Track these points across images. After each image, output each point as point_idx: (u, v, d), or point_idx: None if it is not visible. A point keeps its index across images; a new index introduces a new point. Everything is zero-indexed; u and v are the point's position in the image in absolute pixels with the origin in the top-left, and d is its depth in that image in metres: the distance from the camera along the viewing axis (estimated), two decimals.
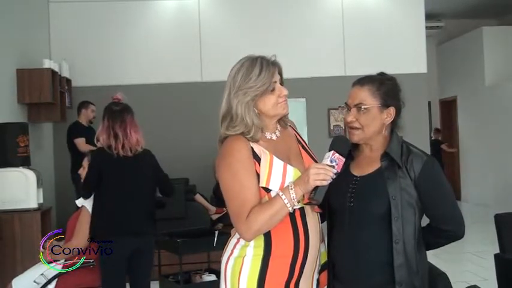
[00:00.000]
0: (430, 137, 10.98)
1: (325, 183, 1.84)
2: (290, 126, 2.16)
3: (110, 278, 3.54)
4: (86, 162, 3.77)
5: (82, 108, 6.55)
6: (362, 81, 2.03)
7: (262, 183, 1.91)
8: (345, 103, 2.05)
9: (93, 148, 4.33)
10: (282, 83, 2.01)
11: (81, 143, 6.22)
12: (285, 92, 2.00)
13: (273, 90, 1.97)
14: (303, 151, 2.10)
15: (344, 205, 2.01)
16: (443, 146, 11.40)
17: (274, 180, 1.92)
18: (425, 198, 1.98)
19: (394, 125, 2.06)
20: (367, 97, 1.99)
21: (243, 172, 1.91)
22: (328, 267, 2.09)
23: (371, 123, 1.99)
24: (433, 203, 2.00)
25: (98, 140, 3.63)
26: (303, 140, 2.16)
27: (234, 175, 1.91)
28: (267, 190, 1.92)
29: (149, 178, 3.69)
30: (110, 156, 3.51)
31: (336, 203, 2.04)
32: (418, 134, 7.42)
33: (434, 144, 10.69)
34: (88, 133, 6.32)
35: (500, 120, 9.96)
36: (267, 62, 1.98)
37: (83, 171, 3.76)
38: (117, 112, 3.59)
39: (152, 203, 3.73)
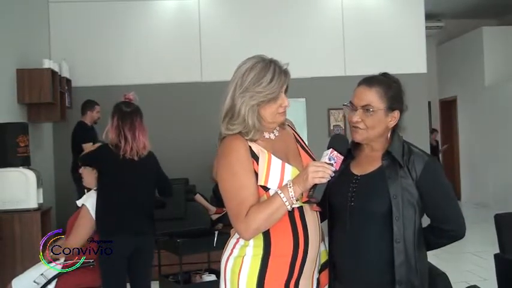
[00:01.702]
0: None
1: (324, 181, 1.83)
2: (288, 125, 2.15)
3: (110, 278, 3.54)
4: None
5: (88, 109, 6.53)
6: (370, 82, 2.02)
7: (261, 182, 1.91)
8: (350, 102, 2.03)
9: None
10: (286, 90, 2.00)
11: (89, 148, 6.20)
12: (286, 103, 1.98)
13: (276, 99, 1.96)
14: (301, 150, 2.10)
15: (345, 204, 2.01)
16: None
17: (273, 179, 1.91)
18: (427, 198, 1.98)
19: (396, 127, 2.06)
20: (375, 99, 1.98)
21: (242, 171, 1.91)
22: (329, 267, 2.09)
23: (376, 125, 1.99)
24: (434, 203, 2.00)
25: (106, 137, 3.62)
26: (301, 139, 2.16)
27: (232, 174, 1.91)
28: (266, 189, 1.92)
29: (151, 179, 3.70)
30: (115, 155, 3.51)
31: (337, 202, 2.04)
32: (418, 134, 7.41)
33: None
34: (93, 134, 6.33)
35: (500, 120, 9.96)
36: (280, 69, 1.96)
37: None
38: (127, 114, 3.57)
39: (152, 203, 3.74)
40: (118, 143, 3.52)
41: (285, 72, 1.97)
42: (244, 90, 1.93)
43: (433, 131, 11.42)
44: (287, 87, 2.00)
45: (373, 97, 1.99)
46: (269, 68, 1.94)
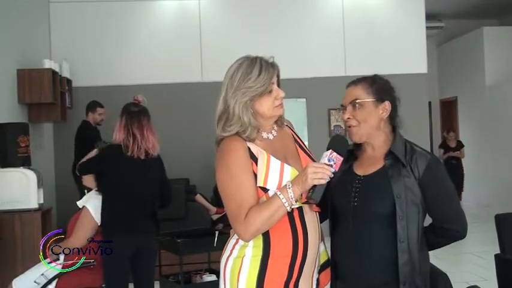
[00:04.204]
0: (442, 136, 10.82)
1: (323, 182, 1.83)
2: (287, 125, 2.15)
3: (113, 278, 3.54)
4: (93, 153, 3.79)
5: (89, 111, 6.57)
6: (355, 81, 2.07)
7: (260, 183, 1.91)
8: (341, 105, 2.07)
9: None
10: (278, 85, 2.02)
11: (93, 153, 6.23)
12: (281, 94, 2.00)
13: (270, 91, 1.97)
14: (300, 150, 2.09)
15: (348, 205, 2.01)
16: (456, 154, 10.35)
17: (272, 180, 1.91)
18: (429, 197, 1.99)
19: (393, 122, 2.07)
20: (361, 93, 2.02)
21: (240, 173, 1.90)
22: (330, 266, 2.10)
23: (367, 118, 2.01)
24: (436, 202, 2.00)
25: (114, 137, 3.64)
26: (300, 139, 2.16)
27: (231, 176, 1.91)
28: (265, 190, 1.92)
29: (156, 181, 3.71)
30: (123, 155, 3.53)
31: (339, 202, 2.05)
32: (418, 135, 7.41)
33: (443, 147, 10.39)
34: (96, 135, 6.35)
35: (501, 121, 9.96)
36: (266, 62, 1.98)
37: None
38: (135, 113, 3.61)
39: (156, 204, 3.75)
40: (127, 142, 3.54)
41: (272, 65, 1.99)
42: (235, 90, 1.95)
43: (448, 131, 10.60)
44: (278, 80, 2.01)
45: (358, 92, 2.02)
46: (255, 63, 1.96)
